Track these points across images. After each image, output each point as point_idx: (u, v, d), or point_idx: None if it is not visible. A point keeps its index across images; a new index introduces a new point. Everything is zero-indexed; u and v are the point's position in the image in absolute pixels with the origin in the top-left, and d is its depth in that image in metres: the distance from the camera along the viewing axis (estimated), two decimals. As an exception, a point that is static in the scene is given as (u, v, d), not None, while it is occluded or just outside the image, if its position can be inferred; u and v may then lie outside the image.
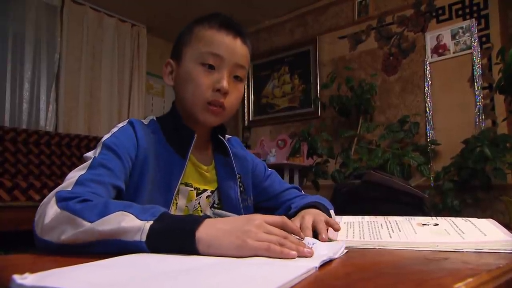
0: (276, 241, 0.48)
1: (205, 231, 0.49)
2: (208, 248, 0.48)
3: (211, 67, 0.76)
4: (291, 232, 0.55)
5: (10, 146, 2.78)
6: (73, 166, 3.05)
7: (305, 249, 0.49)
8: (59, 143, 3.07)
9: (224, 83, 0.75)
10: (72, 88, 3.42)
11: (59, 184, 0.62)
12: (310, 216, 0.69)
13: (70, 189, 0.59)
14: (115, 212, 0.51)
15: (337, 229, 0.68)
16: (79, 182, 0.60)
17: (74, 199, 0.55)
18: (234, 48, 0.77)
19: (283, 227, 0.54)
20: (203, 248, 0.48)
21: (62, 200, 0.55)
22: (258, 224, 0.50)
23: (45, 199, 0.57)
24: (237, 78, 0.79)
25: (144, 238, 0.48)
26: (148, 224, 0.49)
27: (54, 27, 3.38)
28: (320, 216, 0.69)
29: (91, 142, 3.26)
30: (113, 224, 0.50)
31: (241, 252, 0.47)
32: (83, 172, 0.63)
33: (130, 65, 3.91)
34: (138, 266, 0.44)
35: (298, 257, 0.47)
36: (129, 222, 0.50)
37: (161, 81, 4.29)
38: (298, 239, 0.55)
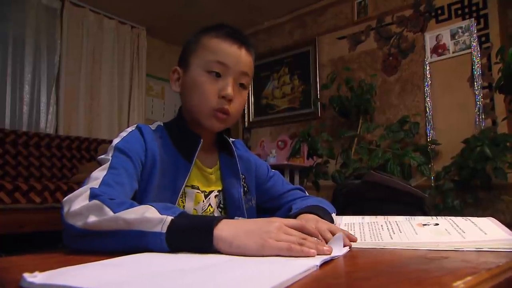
0: (296, 242, 0.50)
1: (225, 230, 0.51)
2: (230, 247, 0.50)
3: (217, 75, 0.79)
4: (309, 234, 0.57)
5: (10, 149, 2.78)
6: (74, 168, 3.05)
7: (324, 248, 0.51)
8: (60, 146, 3.07)
9: (229, 90, 0.78)
10: (72, 90, 3.42)
11: (60, 186, 0.65)
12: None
13: (99, 188, 0.63)
14: (139, 206, 0.56)
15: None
16: (104, 182, 0.64)
17: (105, 195, 0.59)
18: (240, 56, 0.80)
19: (301, 230, 0.56)
20: (225, 247, 0.50)
21: (95, 196, 0.58)
22: (278, 226, 0.53)
23: (76, 192, 0.61)
24: (241, 86, 0.82)
25: (164, 230, 0.51)
26: (169, 218, 0.52)
27: (54, 30, 3.39)
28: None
29: (91, 144, 3.26)
30: (136, 214, 0.53)
31: (263, 252, 0.49)
32: (104, 172, 0.67)
33: (130, 67, 3.92)
34: (146, 264, 0.44)
35: (318, 255, 0.49)
36: (152, 213, 0.53)
37: (161, 82, 4.29)
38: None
